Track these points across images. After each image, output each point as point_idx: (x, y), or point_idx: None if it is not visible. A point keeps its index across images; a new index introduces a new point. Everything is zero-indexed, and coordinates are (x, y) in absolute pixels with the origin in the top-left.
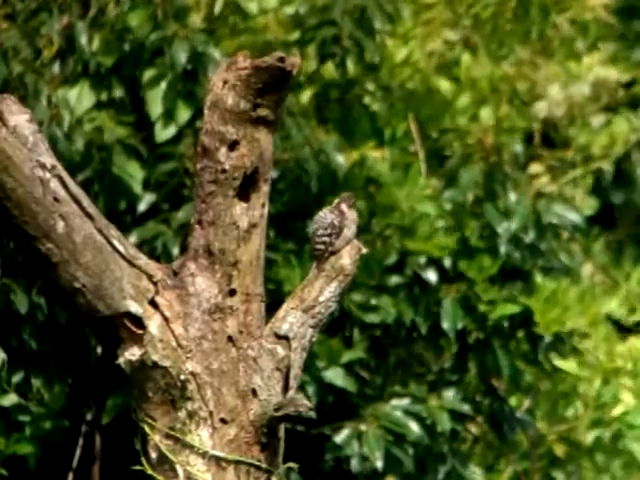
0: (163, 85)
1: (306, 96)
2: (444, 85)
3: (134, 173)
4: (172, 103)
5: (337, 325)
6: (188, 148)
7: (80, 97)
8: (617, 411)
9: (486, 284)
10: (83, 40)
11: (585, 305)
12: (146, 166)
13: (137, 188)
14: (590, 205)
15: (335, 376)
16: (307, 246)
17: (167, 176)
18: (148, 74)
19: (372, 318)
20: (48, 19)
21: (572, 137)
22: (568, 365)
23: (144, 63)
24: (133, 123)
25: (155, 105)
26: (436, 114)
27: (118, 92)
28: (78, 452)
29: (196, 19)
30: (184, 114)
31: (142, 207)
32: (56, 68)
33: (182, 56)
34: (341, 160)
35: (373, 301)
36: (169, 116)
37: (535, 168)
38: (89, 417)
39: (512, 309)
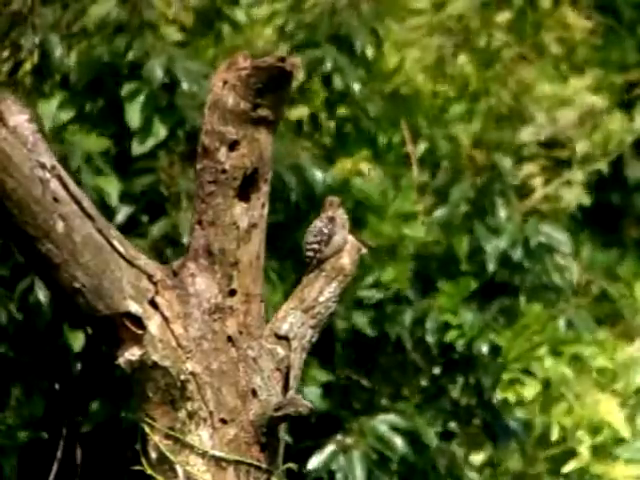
0: (140, 99)
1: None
2: (435, 90)
3: (110, 188)
4: (149, 117)
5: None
6: (165, 160)
7: (57, 110)
8: (570, 467)
9: (459, 305)
10: (58, 53)
11: (565, 344)
12: (125, 179)
13: (112, 201)
14: (586, 199)
15: (312, 396)
16: (288, 262)
17: (145, 189)
18: (126, 88)
19: (356, 332)
20: (24, 33)
21: (567, 138)
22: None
23: (122, 77)
24: (112, 135)
25: (133, 121)
26: (428, 121)
27: (97, 105)
28: (56, 466)
29: (173, 31)
30: (161, 128)
31: (120, 219)
32: (33, 81)
33: (158, 70)
34: (319, 175)
35: (355, 317)
36: (146, 130)
37: (529, 168)
38: (68, 428)
39: (483, 337)
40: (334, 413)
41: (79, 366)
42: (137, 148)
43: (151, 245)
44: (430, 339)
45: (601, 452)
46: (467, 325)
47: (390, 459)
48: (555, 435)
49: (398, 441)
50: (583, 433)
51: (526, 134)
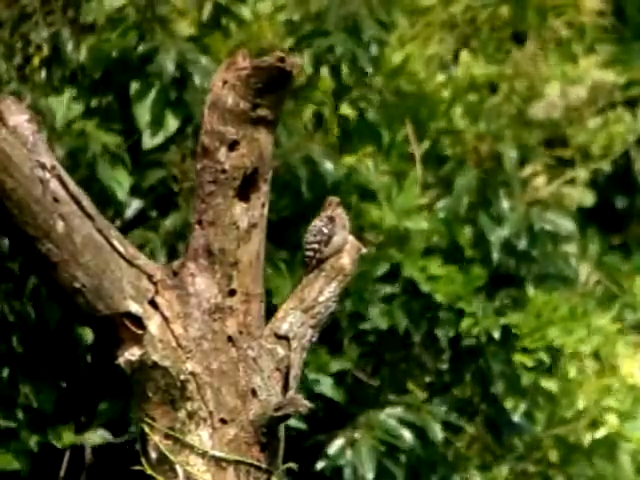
0: (151, 93)
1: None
2: (441, 87)
3: (121, 180)
4: (160, 111)
5: (328, 333)
6: (175, 155)
7: (67, 105)
8: (600, 434)
9: (472, 295)
10: (69, 48)
11: (576, 320)
12: (134, 173)
13: (123, 195)
14: (589, 199)
15: (324, 385)
16: (298, 255)
17: (155, 183)
18: (136, 82)
19: (364, 325)
20: (34, 26)
21: (570, 136)
22: (550, 384)
23: (132, 71)
24: (121, 130)
25: (143, 113)
26: (433, 117)
27: (106, 100)
28: (66, 460)
29: (184, 26)
30: (172, 122)
31: (129, 214)
32: (43, 75)
33: (169, 64)
34: (330, 168)
35: (365, 310)
36: (157, 124)
37: (532, 167)
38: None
39: (494, 322)
40: (343, 405)
41: (89, 362)
42: (148, 142)
43: (164, 239)
44: (440, 331)
45: (630, 415)
46: (480, 311)
47: (398, 451)
48: (581, 405)
49: (406, 434)
50: (611, 399)
51: (537, 111)
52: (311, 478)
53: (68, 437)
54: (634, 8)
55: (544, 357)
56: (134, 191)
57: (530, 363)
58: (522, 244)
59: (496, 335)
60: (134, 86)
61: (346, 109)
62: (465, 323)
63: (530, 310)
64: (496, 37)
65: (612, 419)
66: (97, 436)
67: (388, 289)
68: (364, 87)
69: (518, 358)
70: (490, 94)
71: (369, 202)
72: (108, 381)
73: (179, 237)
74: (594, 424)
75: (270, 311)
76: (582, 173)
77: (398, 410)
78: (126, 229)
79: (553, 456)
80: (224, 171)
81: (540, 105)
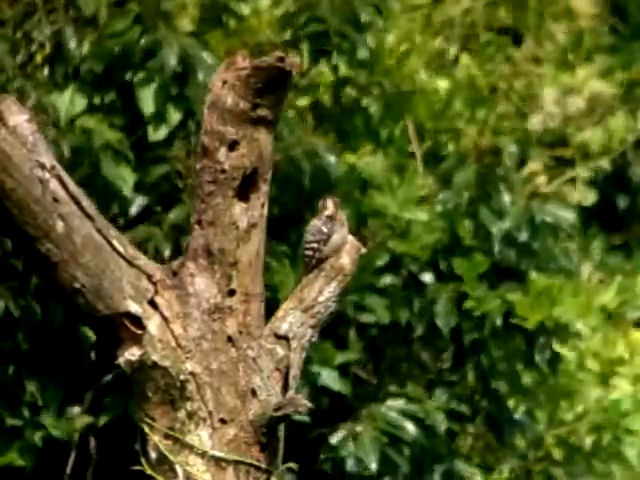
0: (153, 88)
1: (304, 100)
2: (440, 84)
3: (125, 177)
4: (162, 106)
5: (332, 326)
6: (180, 151)
7: (70, 101)
8: (615, 395)
9: (475, 282)
10: (72, 44)
11: (579, 299)
12: (138, 169)
13: (128, 191)
14: (590, 198)
15: (329, 379)
16: (300, 250)
17: (159, 179)
18: (138, 77)
19: (367, 318)
20: (37, 24)
21: (570, 135)
22: (566, 352)
23: (134, 66)
24: (124, 126)
25: (146, 107)
26: (432, 114)
27: (109, 96)
28: (72, 456)
29: (185, 22)
30: (175, 117)
31: (134, 210)
32: (46, 72)
33: (172, 59)
34: (334, 161)
35: (367, 302)
36: (160, 118)
37: (533, 166)
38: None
39: (497, 303)
40: (347, 398)
41: (94, 359)
42: (152, 135)
43: (168, 235)
44: (440, 323)
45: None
46: (483, 295)
47: (401, 442)
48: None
49: (409, 426)
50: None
51: (535, 123)
52: (314, 471)
53: (62, 426)
54: (635, 6)
55: (549, 323)
56: (138, 187)
57: (530, 326)
58: (523, 236)
59: (498, 322)
60: (138, 76)
61: (344, 107)
62: (468, 304)
63: (532, 291)
64: (495, 38)
65: (624, 384)
66: (79, 415)
67: (388, 280)
68: (362, 81)
69: (517, 321)
70: (489, 93)
71: (374, 190)
72: (113, 377)
73: (183, 233)
74: (596, 428)
75: (275, 304)
76: (583, 172)
77: (400, 402)
78: (130, 225)
79: (556, 454)
80: (224, 171)
81: (538, 117)
